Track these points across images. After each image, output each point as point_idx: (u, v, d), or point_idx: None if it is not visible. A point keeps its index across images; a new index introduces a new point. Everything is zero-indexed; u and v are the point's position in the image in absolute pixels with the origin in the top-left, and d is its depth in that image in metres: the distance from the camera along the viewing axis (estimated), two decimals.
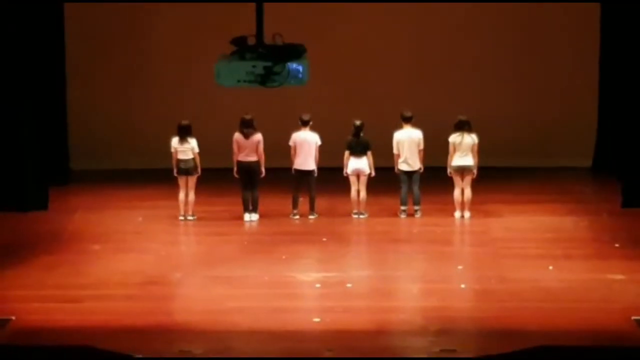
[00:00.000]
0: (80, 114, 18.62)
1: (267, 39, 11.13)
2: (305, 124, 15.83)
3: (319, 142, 15.82)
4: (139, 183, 18.15)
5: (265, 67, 10.95)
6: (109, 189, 17.76)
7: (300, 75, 11.12)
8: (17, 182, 16.17)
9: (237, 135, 15.69)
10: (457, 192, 15.81)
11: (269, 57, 11.00)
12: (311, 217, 15.99)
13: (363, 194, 15.91)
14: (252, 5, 11.26)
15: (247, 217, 15.86)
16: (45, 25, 16.61)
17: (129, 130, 19.12)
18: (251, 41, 11.15)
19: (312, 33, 15.99)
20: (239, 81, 11.10)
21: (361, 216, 15.93)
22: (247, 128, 15.62)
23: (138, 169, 18.98)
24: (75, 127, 18.48)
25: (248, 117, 15.67)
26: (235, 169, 15.81)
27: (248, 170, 15.74)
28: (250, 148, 15.67)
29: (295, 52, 11.18)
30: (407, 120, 15.83)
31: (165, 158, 16.68)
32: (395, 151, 15.80)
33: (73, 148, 18.50)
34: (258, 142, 15.65)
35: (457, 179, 15.80)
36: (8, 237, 14.92)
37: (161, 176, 17.83)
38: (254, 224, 15.77)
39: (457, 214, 15.84)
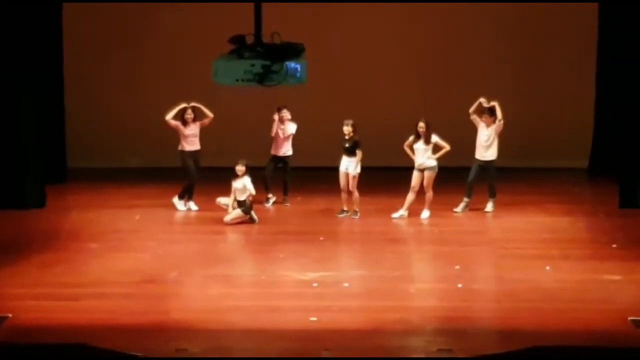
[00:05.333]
0: (78, 112, 18.61)
1: (266, 38, 11.12)
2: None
3: None
4: (136, 181, 18.14)
5: (263, 66, 10.91)
6: (107, 188, 17.76)
7: (298, 74, 11.08)
8: (14, 180, 16.15)
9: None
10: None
11: (268, 55, 10.96)
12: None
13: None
14: (251, 4, 11.24)
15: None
16: (43, 24, 16.57)
17: (126, 129, 19.12)
18: (249, 40, 11.12)
19: (311, 32, 15.96)
20: (237, 80, 11.06)
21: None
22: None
23: (135, 167, 18.99)
24: (73, 125, 18.46)
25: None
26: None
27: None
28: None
29: (293, 51, 11.14)
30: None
31: (163, 157, 16.61)
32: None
33: (71, 146, 18.48)
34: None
35: None
36: (5, 235, 14.90)
37: (158, 175, 17.89)
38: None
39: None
